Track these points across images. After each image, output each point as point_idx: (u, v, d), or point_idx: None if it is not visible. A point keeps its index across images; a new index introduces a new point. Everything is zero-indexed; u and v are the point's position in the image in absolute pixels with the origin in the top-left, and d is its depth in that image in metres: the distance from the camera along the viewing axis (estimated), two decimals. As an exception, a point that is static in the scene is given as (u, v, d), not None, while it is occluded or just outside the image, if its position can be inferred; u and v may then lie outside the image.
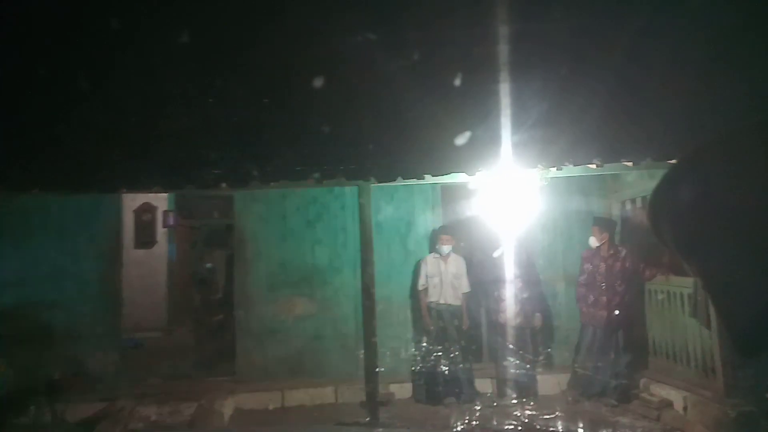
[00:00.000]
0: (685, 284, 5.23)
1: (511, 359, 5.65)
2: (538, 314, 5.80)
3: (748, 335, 0.66)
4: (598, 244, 5.70)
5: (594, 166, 4.65)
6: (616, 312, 5.58)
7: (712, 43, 4.66)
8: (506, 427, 5.12)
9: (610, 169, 4.96)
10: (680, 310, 5.35)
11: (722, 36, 4.65)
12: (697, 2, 4.86)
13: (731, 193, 0.65)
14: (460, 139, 4.51)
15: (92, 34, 4.93)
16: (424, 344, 5.86)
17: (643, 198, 5.86)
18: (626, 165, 4.68)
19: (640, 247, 6.05)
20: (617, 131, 4.51)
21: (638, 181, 5.88)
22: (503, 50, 4.75)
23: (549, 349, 6.29)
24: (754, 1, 4.65)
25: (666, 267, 5.50)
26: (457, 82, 4.73)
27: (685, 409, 5.01)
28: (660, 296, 5.71)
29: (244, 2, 5.31)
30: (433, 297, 5.86)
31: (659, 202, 0.75)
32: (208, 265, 10.74)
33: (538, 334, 5.93)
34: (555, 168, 4.66)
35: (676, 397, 5.14)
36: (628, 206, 6.24)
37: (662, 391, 5.33)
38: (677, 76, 4.67)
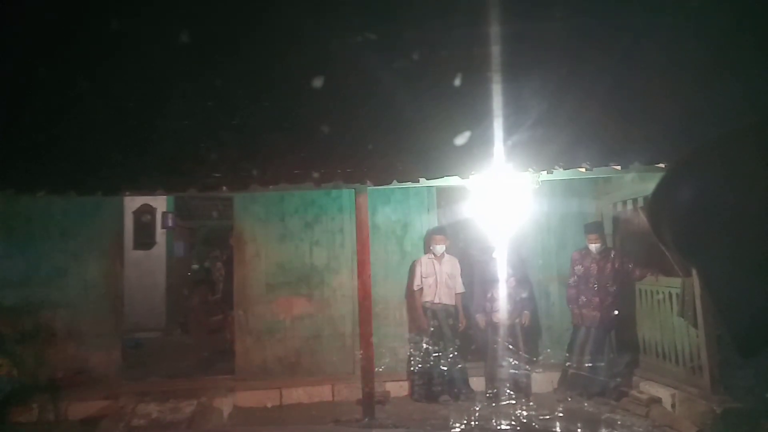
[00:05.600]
0: (674, 284, 5.35)
1: (503, 357, 5.77)
2: (526, 312, 5.92)
3: (748, 335, 0.66)
4: (599, 248, 5.80)
5: (583, 170, 4.77)
6: (608, 312, 5.71)
7: (703, 48, 4.78)
8: (500, 424, 5.24)
9: (599, 172, 5.09)
10: (669, 310, 5.48)
11: (713, 40, 4.77)
12: (688, 7, 4.98)
13: (730, 194, 0.65)
14: (454, 143, 4.63)
15: (96, 39, 5.03)
16: (420, 343, 5.97)
17: (634, 200, 5.98)
18: (615, 169, 4.81)
19: (631, 247, 6.18)
20: (606, 136, 4.64)
21: (629, 184, 5.99)
22: (495, 57, 4.88)
23: (540, 348, 6.42)
24: (747, 5, 4.76)
25: (656, 267, 5.62)
26: (451, 88, 4.85)
27: (673, 406, 5.13)
28: (649, 296, 5.84)
29: (244, 8, 5.41)
30: (428, 297, 5.97)
31: (659, 203, 0.75)
32: (207, 265, 10.85)
33: (526, 332, 6.03)
34: (546, 171, 4.79)
35: (664, 394, 5.26)
36: (619, 208, 6.37)
37: (651, 389, 5.45)
38: (666, 81, 4.80)
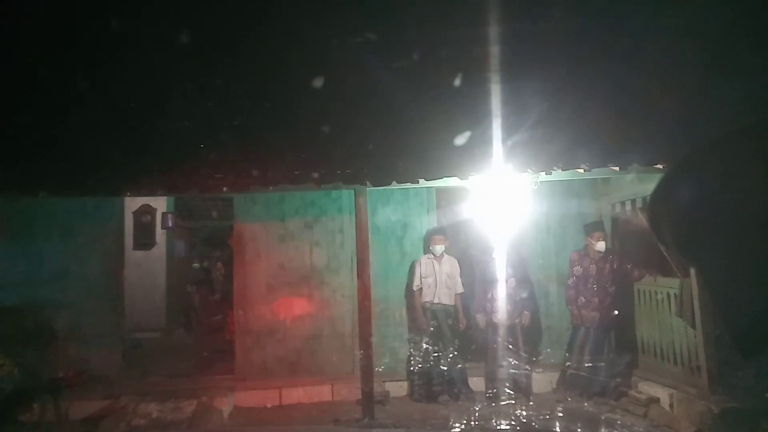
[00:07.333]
0: (672, 284, 5.38)
1: (503, 357, 5.79)
2: (526, 312, 5.94)
3: (748, 335, 0.66)
4: (603, 246, 5.81)
5: (582, 171, 4.79)
6: (607, 312, 5.72)
7: (702, 48, 4.80)
8: (500, 424, 5.26)
9: (598, 173, 5.11)
10: (667, 310, 5.50)
11: (713, 40, 4.78)
12: (688, 7, 4.99)
13: (729, 194, 0.65)
14: (454, 144, 4.65)
15: (96, 39, 5.04)
16: (420, 343, 5.99)
17: (633, 201, 6.00)
18: (614, 170, 4.83)
19: (630, 248, 6.20)
20: (605, 137, 4.66)
21: (628, 185, 6.02)
22: (495, 57, 4.89)
23: (540, 348, 6.45)
24: (747, 5, 4.77)
25: (654, 267, 5.64)
26: (451, 88, 4.86)
27: (671, 405, 5.15)
28: (648, 296, 5.86)
29: (244, 9, 5.43)
30: (428, 297, 5.98)
31: (659, 204, 0.76)
32: (207, 265, 10.87)
33: (526, 332, 6.04)
34: (545, 172, 4.81)
35: (662, 394, 5.28)
36: (618, 209, 6.39)
37: (650, 389, 5.47)
38: (666, 82, 4.82)
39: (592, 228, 5.93)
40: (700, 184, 0.69)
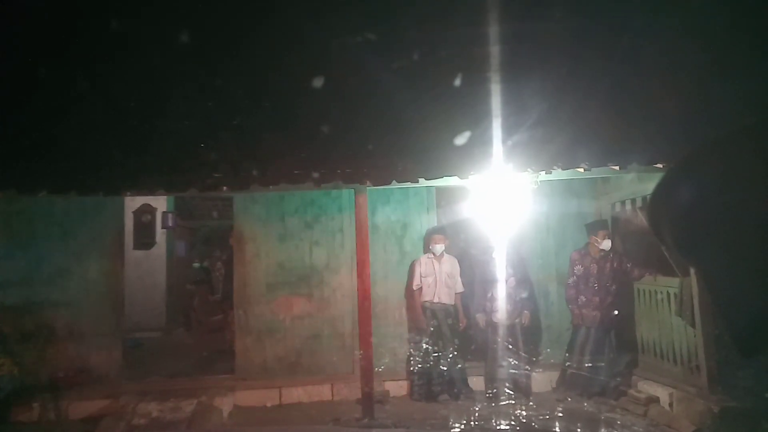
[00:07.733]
0: (672, 284, 5.38)
1: (503, 357, 5.79)
2: (526, 312, 5.94)
3: (748, 335, 0.66)
4: (609, 245, 5.80)
5: (582, 170, 4.79)
6: (608, 312, 5.73)
7: (702, 48, 4.80)
8: (500, 424, 5.26)
9: (598, 172, 5.11)
10: (667, 310, 5.51)
11: (713, 40, 4.78)
12: (688, 7, 5.00)
13: (729, 194, 0.65)
14: (454, 144, 4.66)
15: (96, 39, 5.04)
16: (420, 343, 5.99)
17: (633, 200, 6.00)
18: (613, 169, 4.83)
19: (630, 247, 6.20)
20: (605, 136, 4.66)
21: (628, 184, 6.02)
22: (495, 57, 4.90)
23: (540, 348, 6.45)
24: (747, 5, 4.77)
25: (654, 267, 5.64)
26: (451, 88, 4.87)
27: (671, 405, 5.15)
28: (648, 296, 5.86)
29: (244, 8, 5.43)
30: (428, 296, 5.98)
31: (659, 204, 0.75)
32: (207, 265, 10.86)
33: (526, 332, 6.05)
34: (545, 171, 4.81)
35: (662, 393, 5.29)
36: (618, 208, 6.39)
37: (650, 388, 5.47)
38: (666, 82, 4.82)
39: (597, 227, 5.93)
40: (700, 184, 0.69)
